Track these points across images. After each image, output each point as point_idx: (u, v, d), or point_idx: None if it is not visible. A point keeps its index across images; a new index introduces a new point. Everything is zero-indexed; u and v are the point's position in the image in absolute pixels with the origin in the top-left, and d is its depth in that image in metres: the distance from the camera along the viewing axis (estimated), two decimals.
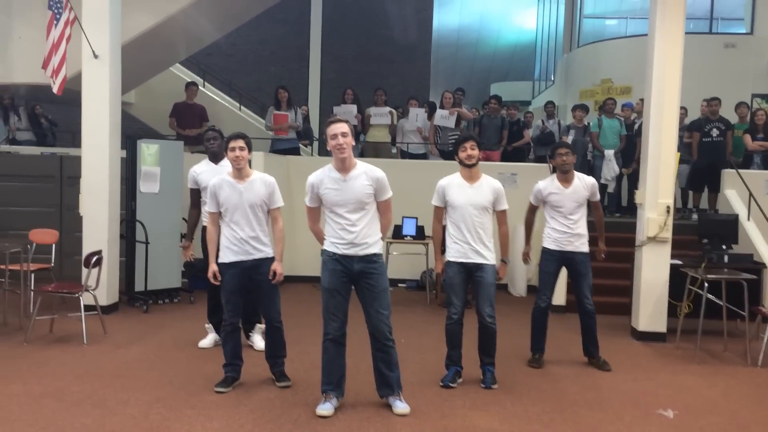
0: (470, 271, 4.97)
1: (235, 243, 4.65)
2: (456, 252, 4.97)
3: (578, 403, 4.75)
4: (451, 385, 4.99)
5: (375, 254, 4.26)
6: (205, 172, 5.74)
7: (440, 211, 5.07)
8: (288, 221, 9.08)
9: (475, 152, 4.92)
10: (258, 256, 4.69)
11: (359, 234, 4.19)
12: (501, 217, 5.04)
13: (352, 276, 4.25)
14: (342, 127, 4.15)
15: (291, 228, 9.34)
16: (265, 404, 4.50)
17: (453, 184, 4.98)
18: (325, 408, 4.29)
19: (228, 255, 4.68)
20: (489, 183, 4.96)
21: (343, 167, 4.21)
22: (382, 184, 4.26)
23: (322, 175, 4.26)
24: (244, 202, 4.63)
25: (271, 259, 4.74)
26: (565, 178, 5.59)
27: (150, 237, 7.55)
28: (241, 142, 4.60)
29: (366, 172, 4.23)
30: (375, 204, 4.30)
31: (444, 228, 5.13)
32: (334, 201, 4.20)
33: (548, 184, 5.66)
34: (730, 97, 10.41)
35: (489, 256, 4.95)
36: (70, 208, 8.45)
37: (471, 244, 4.91)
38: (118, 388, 4.71)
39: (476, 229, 4.90)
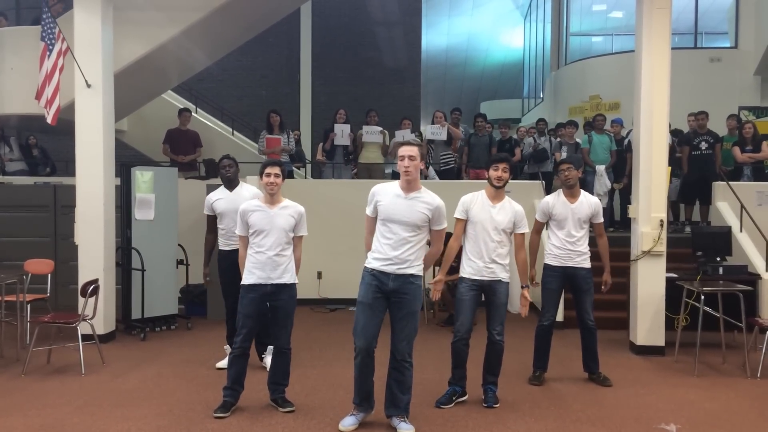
0: (483, 289, 5.01)
1: (259, 266, 4.75)
2: (470, 268, 5.00)
3: (580, 419, 4.75)
4: (442, 406, 4.98)
5: (412, 275, 4.35)
6: (222, 199, 6.01)
7: (462, 225, 5.04)
8: None
9: (506, 175, 5.01)
10: (279, 281, 4.77)
11: (402, 254, 4.29)
12: (519, 240, 5.06)
13: (386, 293, 4.33)
14: (411, 150, 4.32)
15: None
16: (268, 430, 4.48)
17: (477, 201, 5.03)
18: (347, 423, 4.45)
19: (250, 277, 4.77)
20: (511, 206, 5.02)
21: (408, 187, 4.35)
22: (440, 212, 4.38)
23: (387, 187, 4.42)
24: (273, 227, 4.76)
25: (291, 287, 4.83)
26: (571, 194, 5.66)
27: (146, 264, 7.53)
28: (276, 169, 4.81)
29: (427, 197, 4.38)
30: (427, 232, 4.42)
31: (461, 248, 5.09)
32: (388, 214, 4.32)
33: (555, 198, 5.74)
34: (717, 111, 10.54)
35: (502, 275, 5.00)
36: (64, 237, 8.42)
37: (486, 261, 4.94)
38: (119, 418, 4.68)
39: (492, 248, 4.94)
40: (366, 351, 4.33)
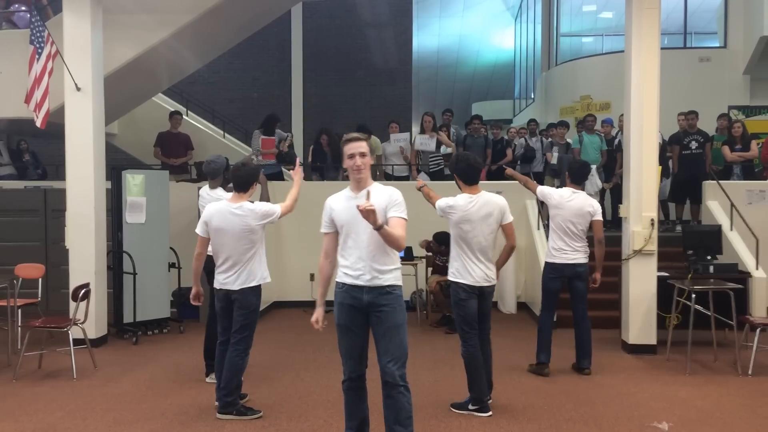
0: None
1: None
2: None
3: (573, 418, 4.76)
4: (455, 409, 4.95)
5: (389, 286, 3.78)
6: None
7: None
8: (276, 246, 9.09)
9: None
10: None
11: (373, 261, 3.75)
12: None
13: (363, 308, 3.79)
14: (361, 147, 3.82)
15: (279, 252, 9.32)
16: None
17: None
18: None
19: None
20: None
21: (359, 187, 3.84)
22: (393, 200, 3.80)
23: (338, 196, 3.97)
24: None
25: None
26: None
27: (137, 267, 7.50)
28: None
29: (381, 189, 3.83)
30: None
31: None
32: (346, 221, 3.83)
33: None
34: (707, 110, 10.59)
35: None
36: (55, 241, 8.38)
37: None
38: (111, 423, 4.66)
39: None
40: (352, 377, 3.89)
